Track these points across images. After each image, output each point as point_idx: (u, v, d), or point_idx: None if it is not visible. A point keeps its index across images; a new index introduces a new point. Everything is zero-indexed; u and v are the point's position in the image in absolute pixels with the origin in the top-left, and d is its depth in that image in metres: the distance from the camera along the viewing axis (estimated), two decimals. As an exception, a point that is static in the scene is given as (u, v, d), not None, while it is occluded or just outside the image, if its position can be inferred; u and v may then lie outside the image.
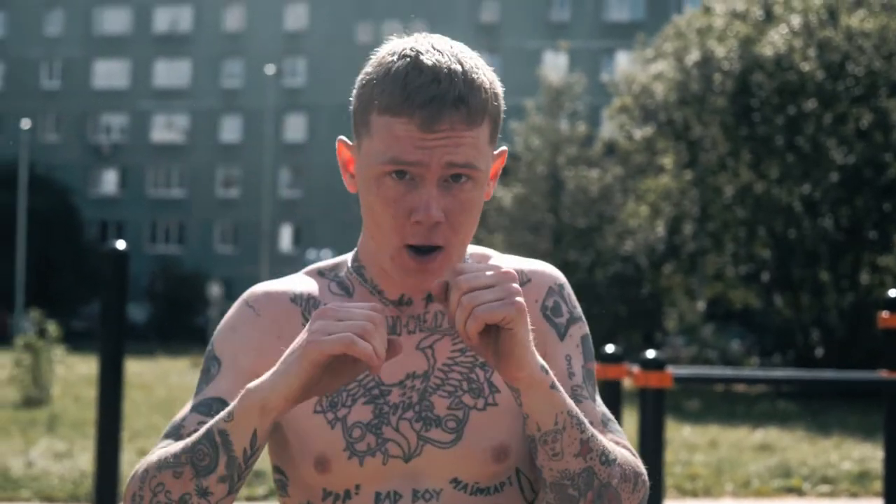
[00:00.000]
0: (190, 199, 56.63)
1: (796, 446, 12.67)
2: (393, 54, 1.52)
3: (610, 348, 5.89)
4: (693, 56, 21.49)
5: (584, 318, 1.70)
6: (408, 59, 1.50)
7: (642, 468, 1.59)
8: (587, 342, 1.68)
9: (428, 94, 1.48)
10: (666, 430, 13.50)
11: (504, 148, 1.64)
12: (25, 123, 44.94)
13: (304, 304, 1.64)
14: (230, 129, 56.97)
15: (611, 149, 27.18)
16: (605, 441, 1.54)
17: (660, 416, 5.29)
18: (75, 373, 20.39)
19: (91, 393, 15.54)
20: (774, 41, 20.61)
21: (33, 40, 58.35)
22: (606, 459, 1.52)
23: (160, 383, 19.94)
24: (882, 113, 20.62)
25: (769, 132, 21.04)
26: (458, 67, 1.50)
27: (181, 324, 47.34)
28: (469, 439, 1.57)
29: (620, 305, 25.40)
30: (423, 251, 1.52)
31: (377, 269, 1.62)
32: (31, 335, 15.41)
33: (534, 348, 1.44)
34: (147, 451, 10.31)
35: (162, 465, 1.46)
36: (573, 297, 1.70)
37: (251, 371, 1.57)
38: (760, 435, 13.82)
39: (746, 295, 25.54)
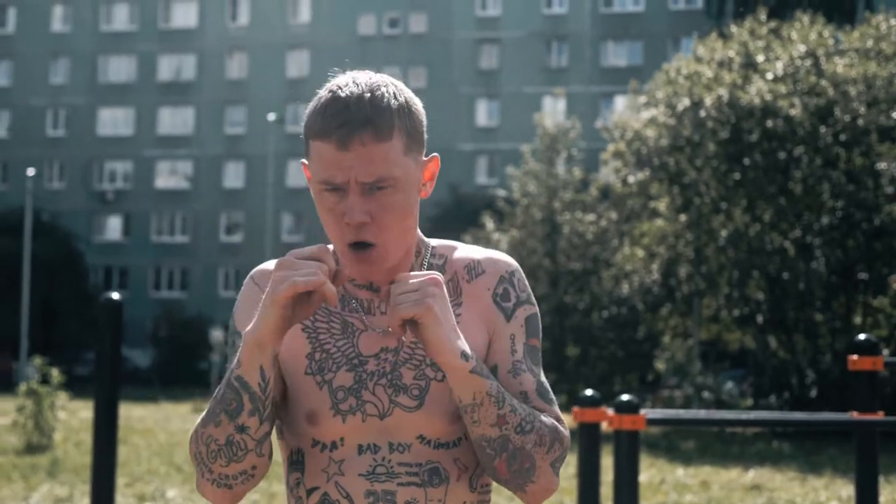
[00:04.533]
0: (193, 244, 56.90)
1: (787, 486, 12.82)
2: (325, 90, 1.89)
3: (588, 392, 6.05)
4: (684, 102, 21.78)
5: (532, 300, 2.02)
6: (330, 93, 1.87)
7: (562, 432, 1.93)
8: (532, 322, 2.00)
9: (340, 118, 1.83)
10: (654, 472, 13.63)
11: (434, 155, 1.98)
12: (30, 171, 45.30)
13: None
14: (233, 176, 57.36)
15: (606, 193, 27.40)
16: (526, 414, 1.87)
17: (634, 458, 5.46)
18: (78, 418, 20.54)
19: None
20: (760, 88, 20.91)
21: (39, 89, 58.89)
22: (522, 430, 1.87)
23: (161, 428, 20.08)
24: (871, 157, 20.90)
25: (761, 177, 21.30)
26: (368, 95, 1.86)
27: (184, 369, 47.40)
28: (429, 405, 1.90)
29: (617, 348, 25.55)
30: (358, 247, 1.87)
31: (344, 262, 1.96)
32: (33, 382, 15.58)
33: (456, 341, 1.81)
34: (147, 496, 10.51)
35: (206, 421, 1.87)
36: (523, 282, 2.01)
37: None
38: (752, 475, 13.98)
39: (742, 337, 25.69)
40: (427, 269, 1.97)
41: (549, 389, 1.99)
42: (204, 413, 1.90)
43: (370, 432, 1.91)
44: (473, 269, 1.98)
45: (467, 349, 1.82)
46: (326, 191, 1.86)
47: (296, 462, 1.95)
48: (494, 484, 2.02)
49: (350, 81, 1.88)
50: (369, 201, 1.85)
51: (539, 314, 2.04)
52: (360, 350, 1.93)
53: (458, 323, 1.91)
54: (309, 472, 1.93)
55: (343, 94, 1.85)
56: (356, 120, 1.82)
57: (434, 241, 2.04)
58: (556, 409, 1.96)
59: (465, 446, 1.94)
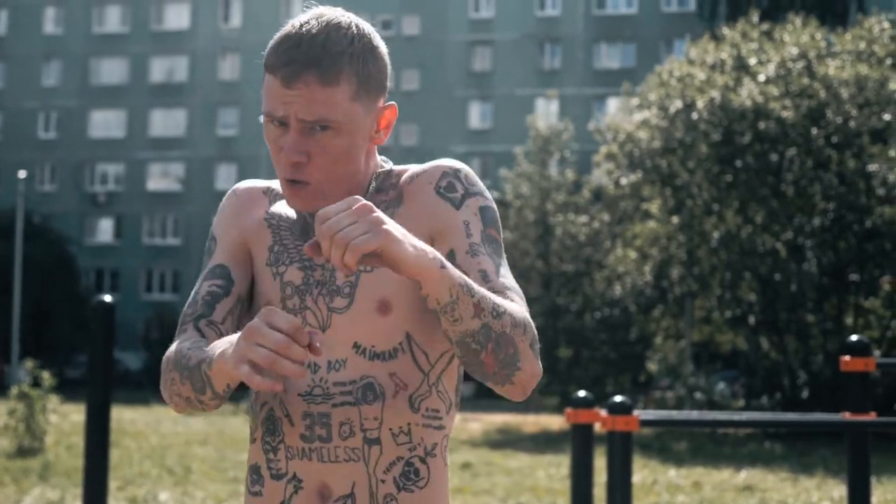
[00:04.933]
0: (185, 246, 56.87)
1: (778, 487, 12.85)
2: (289, 22, 1.88)
3: (582, 393, 6.06)
4: (676, 104, 21.81)
5: (486, 195, 1.95)
6: (290, 27, 1.85)
7: (528, 316, 1.87)
8: (488, 213, 1.93)
9: (288, 56, 1.81)
10: (646, 473, 13.64)
11: (392, 103, 1.92)
12: (22, 173, 45.23)
13: (272, 197, 2.02)
14: (225, 177, 57.31)
15: (598, 195, 27.44)
16: (493, 296, 1.78)
17: (627, 459, 5.48)
18: (69, 421, 20.50)
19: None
20: (751, 90, 20.94)
21: (30, 91, 58.81)
22: (497, 313, 1.77)
23: (153, 431, 20.06)
24: (863, 159, 20.95)
25: (753, 179, 21.34)
26: (322, 36, 1.82)
27: (177, 371, 47.35)
28: (359, 299, 1.87)
29: (609, 350, 25.58)
30: (292, 184, 1.86)
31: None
32: (25, 385, 15.54)
33: (415, 242, 1.67)
34: (139, 499, 10.48)
35: (176, 366, 1.86)
36: (472, 179, 1.95)
37: (234, 241, 1.99)
38: (744, 476, 14.01)
39: (734, 338, 25.73)
40: (381, 187, 1.94)
41: (508, 275, 1.91)
42: (174, 353, 1.87)
43: None
44: (416, 174, 1.94)
45: (427, 247, 1.70)
46: (271, 122, 1.86)
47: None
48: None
49: (312, 18, 1.85)
50: (308, 141, 1.84)
51: (496, 210, 1.97)
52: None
53: (391, 218, 1.88)
54: None
55: (300, 31, 1.83)
56: (303, 60, 1.81)
57: (395, 166, 2.00)
58: (516, 293, 1.87)
59: (402, 361, 1.88)
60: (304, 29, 1.83)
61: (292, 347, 1.62)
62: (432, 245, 1.88)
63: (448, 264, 1.72)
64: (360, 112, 1.85)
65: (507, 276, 1.90)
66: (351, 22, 1.86)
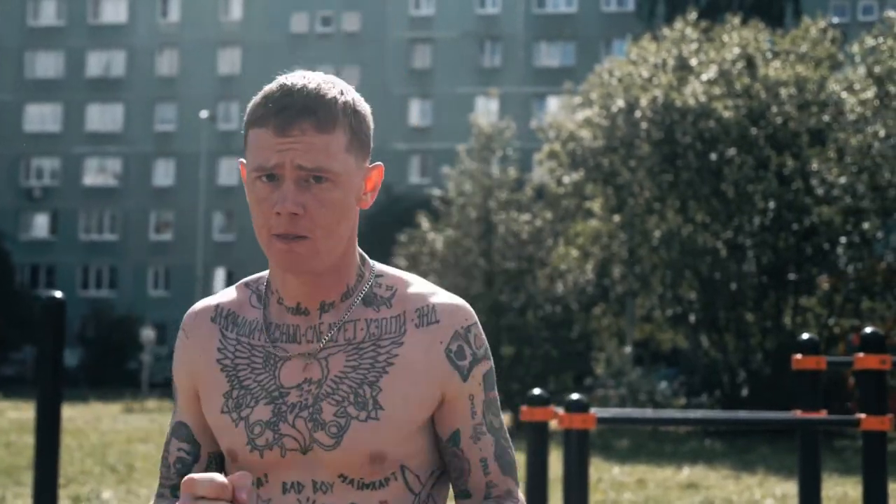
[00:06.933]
0: (122, 242, 56.22)
1: (721, 484, 12.96)
2: (272, 83, 1.83)
3: (537, 391, 6.07)
4: (618, 103, 21.93)
5: (488, 354, 1.90)
6: (276, 84, 1.81)
7: (519, 499, 1.88)
8: (489, 376, 1.89)
9: (280, 104, 1.76)
10: (590, 470, 13.72)
11: (379, 164, 1.87)
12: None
13: (223, 322, 1.91)
14: (163, 173, 56.76)
15: (540, 193, 27.53)
16: None
17: (584, 457, 5.51)
18: (7, 418, 20.21)
19: (23, 439, 15.48)
20: (694, 89, 21.11)
21: (-37, 84, 57.83)
22: None
23: (93, 429, 19.82)
24: (802, 159, 21.20)
25: (694, 178, 21.51)
26: (313, 86, 1.79)
27: (114, 368, 46.82)
28: (347, 445, 1.79)
29: (551, 347, 25.67)
30: (288, 238, 1.75)
31: (278, 278, 1.86)
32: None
33: None
34: (82, 497, 10.33)
35: None
36: (480, 337, 1.87)
37: (189, 391, 1.92)
38: (687, 473, 14.12)
39: (675, 336, 25.95)
40: (370, 297, 1.87)
41: (509, 445, 1.91)
42: None
43: (293, 468, 1.82)
44: (426, 315, 1.85)
45: None
46: (259, 179, 1.76)
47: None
48: None
49: (298, 76, 1.82)
50: (304, 194, 1.75)
51: (493, 365, 1.95)
52: (281, 382, 1.83)
53: (392, 364, 1.82)
54: None
55: (288, 83, 1.79)
56: (297, 106, 1.76)
57: (381, 267, 1.91)
58: (513, 477, 1.88)
59: (394, 488, 1.84)
60: (290, 82, 1.80)
61: None
62: (438, 408, 1.86)
63: None
64: (353, 166, 1.81)
65: (502, 453, 1.88)
66: (337, 80, 1.84)
